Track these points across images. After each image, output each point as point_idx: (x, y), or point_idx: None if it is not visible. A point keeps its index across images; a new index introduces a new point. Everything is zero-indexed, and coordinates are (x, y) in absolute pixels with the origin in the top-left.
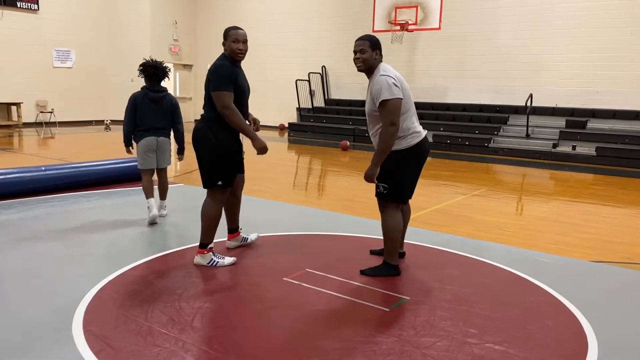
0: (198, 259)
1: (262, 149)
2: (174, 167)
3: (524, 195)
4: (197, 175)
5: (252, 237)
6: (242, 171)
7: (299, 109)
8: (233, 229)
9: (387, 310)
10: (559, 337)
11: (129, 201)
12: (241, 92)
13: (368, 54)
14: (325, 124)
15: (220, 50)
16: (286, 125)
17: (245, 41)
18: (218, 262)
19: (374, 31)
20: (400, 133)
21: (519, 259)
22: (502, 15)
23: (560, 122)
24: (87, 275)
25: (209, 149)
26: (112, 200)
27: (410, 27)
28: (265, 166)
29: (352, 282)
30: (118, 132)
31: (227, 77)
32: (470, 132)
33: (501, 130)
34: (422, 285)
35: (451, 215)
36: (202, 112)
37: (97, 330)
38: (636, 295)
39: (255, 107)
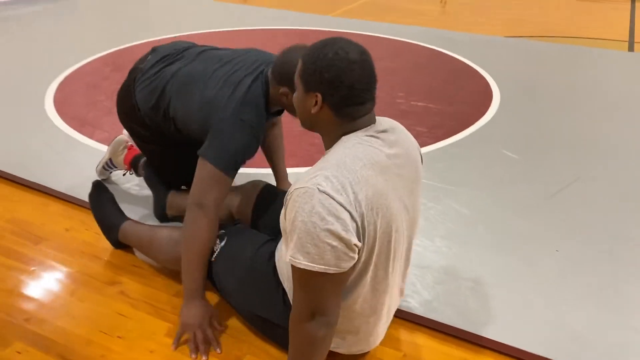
0: None
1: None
2: None
3: None
4: None
5: None
6: None
7: None
8: None
9: None
10: (470, 93)
11: (53, 7)
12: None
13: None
14: None
15: None
16: None
17: None
18: None
19: None
20: None
21: (439, 38)
22: None
23: None
24: (41, 74)
25: None
26: (33, 7)
27: None
28: None
29: None
30: None
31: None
32: None
33: None
34: None
35: (379, 6)
36: None
37: (71, 114)
38: (533, 58)
39: None
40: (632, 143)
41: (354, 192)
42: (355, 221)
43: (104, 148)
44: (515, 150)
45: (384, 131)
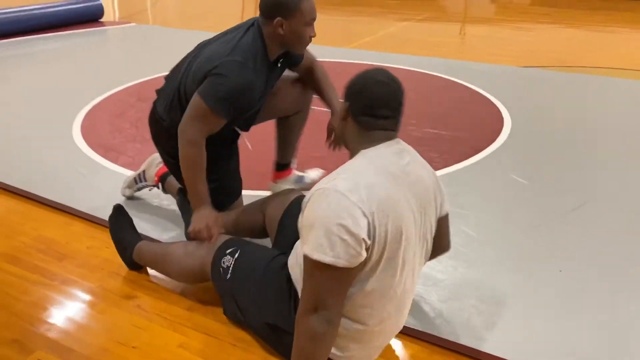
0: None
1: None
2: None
3: (464, 18)
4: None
5: (311, 175)
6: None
7: None
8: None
9: None
10: (482, 121)
11: (86, 42)
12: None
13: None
14: None
15: None
16: None
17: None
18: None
19: None
20: None
21: (455, 68)
22: None
23: None
24: (70, 103)
25: None
26: (68, 41)
27: None
28: None
29: None
30: None
31: (234, 102)
32: None
33: None
34: None
35: (396, 38)
36: None
37: (97, 140)
38: (546, 87)
39: None
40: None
41: (366, 193)
42: (367, 217)
43: (127, 172)
44: (524, 176)
45: (400, 151)
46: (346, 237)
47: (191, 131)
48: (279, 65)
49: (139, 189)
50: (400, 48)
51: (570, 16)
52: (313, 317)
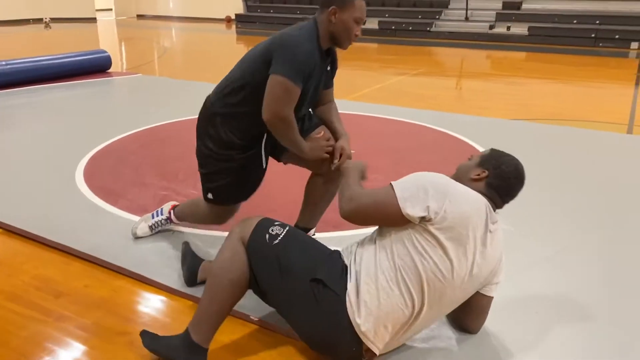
0: None
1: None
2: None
3: (459, 73)
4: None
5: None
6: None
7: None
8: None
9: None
10: None
11: (94, 91)
12: (302, 97)
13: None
14: (273, 14)
15: None
16: (233, 17)
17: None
18: None
19: None
20: None
21: (446, 121)
22: None
23: (497, 4)
24: (75, 148)
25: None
26: (77, 90)
27: None
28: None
29: None
30: (59, 30)
31: (304, 67)
32: (413, 18)
33: (442, 14)
34: (365, 143)
35: (393, 91)
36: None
37: (98, 184)
38: (533, 139)
39: None
40: (618, 218)
41: (457, 200)
42: (442, 203)
43: (125, 215)
44: (510, 223)
45: (494, 216)
46: (422, 194)
47: (280, 111)
48: (328, 68)
49: (154, 224)
50: (395, 100)
51: (562, 71)
52: (349, 198)
